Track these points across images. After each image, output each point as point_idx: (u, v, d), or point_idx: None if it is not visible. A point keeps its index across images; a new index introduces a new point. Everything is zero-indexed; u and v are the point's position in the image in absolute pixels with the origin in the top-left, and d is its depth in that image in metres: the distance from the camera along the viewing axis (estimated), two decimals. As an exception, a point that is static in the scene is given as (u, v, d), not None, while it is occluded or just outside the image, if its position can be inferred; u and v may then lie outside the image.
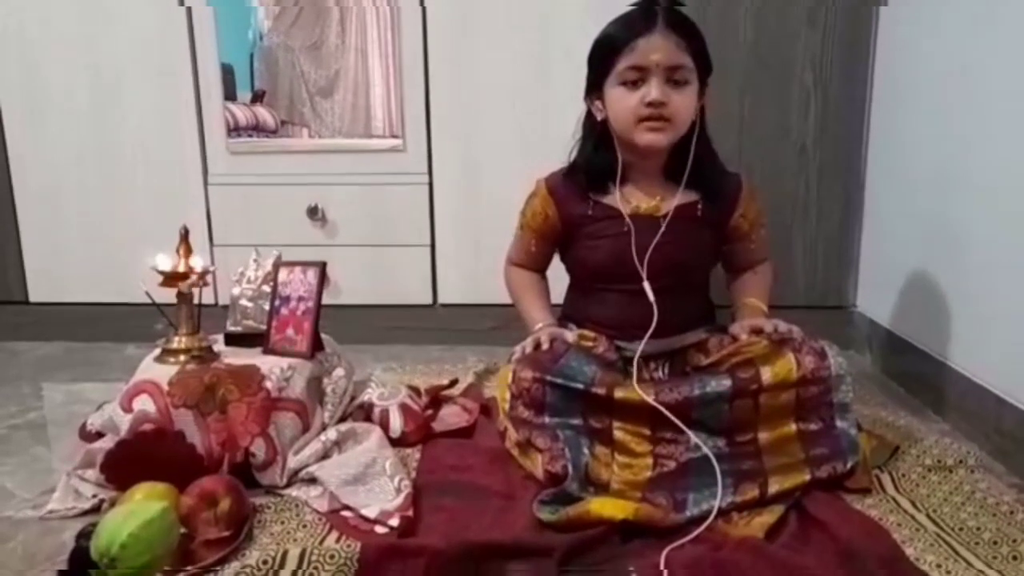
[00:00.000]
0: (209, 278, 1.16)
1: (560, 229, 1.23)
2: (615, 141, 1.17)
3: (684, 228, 1.17)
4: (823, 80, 1.61)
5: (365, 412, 1.20)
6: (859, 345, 1.66)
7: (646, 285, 1.14)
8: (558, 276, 1.30)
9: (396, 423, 1.17)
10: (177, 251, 1.14)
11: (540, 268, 1.32)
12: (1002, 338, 1.14)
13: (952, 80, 1.29)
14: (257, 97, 1.72)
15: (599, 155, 1.18)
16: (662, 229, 1.15)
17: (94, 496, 0.99)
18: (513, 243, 1.33)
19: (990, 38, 1.18)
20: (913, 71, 1.44)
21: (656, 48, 1.08)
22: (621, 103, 1.12)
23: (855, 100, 1.61)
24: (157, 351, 1.13)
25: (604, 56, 1.13)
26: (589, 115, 1.20)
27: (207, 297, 1.21)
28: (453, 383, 1.39)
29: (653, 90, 1.09)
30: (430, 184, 1.70)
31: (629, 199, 1.18)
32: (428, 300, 1.76)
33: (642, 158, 1.17)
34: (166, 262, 1.12)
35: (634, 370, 1.07)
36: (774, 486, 0.96)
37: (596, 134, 1.19)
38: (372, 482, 1.00)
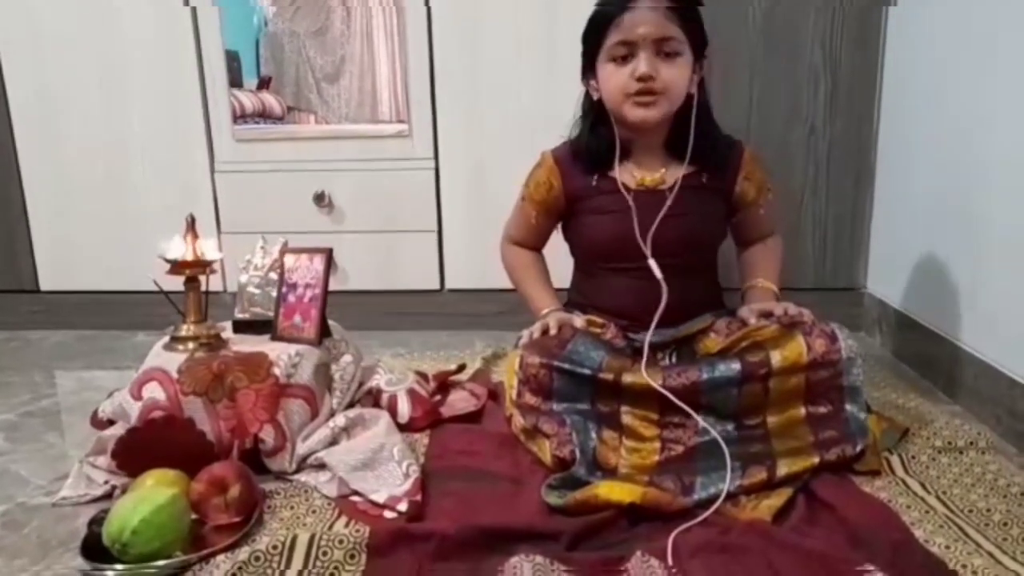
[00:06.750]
0: (216, 265, 1.16)
1: (563, 202, 1.22)
2: (612, 119, 1.16)
3: (690, 199, 1.16)
4: (833, 59, 1.59)
5: (373, 398, 1.21)
6: (869, 327, 1.65)
7: (651, 263, 1.13)
8: (563, 260, 1.30)
9: (404, 408, 1.17)
10: (184, 239, 1.14)
11: (538, 245, 1.31)
12: (1015, 319, 1.13)
13: (964, 59, 1.27)
14: (263, 83, 1.71)
15: (597, 135, 1.18)
16: (668, 201, 1.14)
17: (106, 483, 1.00)
18: (512, 217, 1.31)
19: (1005, 14, 1.16)
20: (925, 49, 1.42)
21: (642, 21, 1.07)
22: (611, 80, 1.11)
23: (865, 79, 1.59)
24: (166, 339, 1.13)
25: (594, 33, 1.12)
26: (588, 95, 1.19)
27: (215, 284, 1.21)
28: (461, 368, 1.40)
29: (641, 64, 1.08)
30: (436, 169, 1.69)
31: (633, 173, 1.17)
32: (435, 285, 1.76)
33: (638, 134, 1.16)
34: (174, 250, 1.12)
35: (644, 354, 1.06)
36: (782, 469, 0.96)
37: (594, 114, 1.18)
38: (380, 467, 1.00)
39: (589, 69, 1.16)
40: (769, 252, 1.27)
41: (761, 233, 1.27)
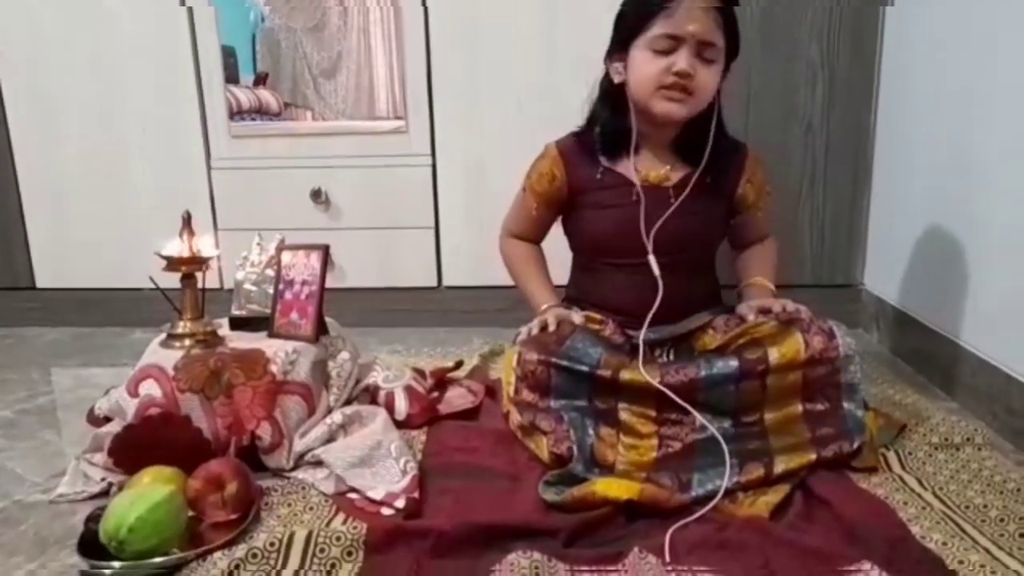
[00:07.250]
0: (213, 262, 1.15)
1: (565, 194, 1.21)
2: (630, 106, 1.15)
3: (694, 199, 1.15)
4: (830, 56, 1.58)
5: (370, 395, 1.20)
6: (867, 323, 1.65)
7: (651, 259, 1.13)
8: (562, 256, 1.29)
9: (401, 405, 1.17)
10: (180, 236, 1.13)
11: (538, 238, 1.30)
12: (1012, 315, 1.13)
13: (961, 55, 1.27)
14: (260, 80, 1.71)
15: (614, 119, 1.16)
16: (672, 200, 1.14)
17: (102, 480, 1.00)
18: (511, 210, 1.30)
19: (1001, 12, 1.16)
20: (922, 46, 1.42)
21: (695, 18, 1.06)
22: (646, 67, 1.09)
23: (863, 76, 1.59)
24: (162, 336, 1.13)
25: (637, 16, 1.10)
26: (607, 77, 1.18)
27: (211, 281, 1.21)
28: (458, 365, 1.39)
29: (682, 60, 1.07)
30: (433, 166, 1.69)
31: (639, 168, 1.17)
32: (433, 282, 1.76)
33: (655, 127, 1.15)
34: (173, 248, 1.12)
35: (640, 350, 1.06)
36: (780, 466, 0.96)
37: (612, 97, 1.17)
38: (378, 464, 1.00)
39: (617, 51, 1.14)
40: (766, 253, 1.28)
41: (758, 235, 1.27)
